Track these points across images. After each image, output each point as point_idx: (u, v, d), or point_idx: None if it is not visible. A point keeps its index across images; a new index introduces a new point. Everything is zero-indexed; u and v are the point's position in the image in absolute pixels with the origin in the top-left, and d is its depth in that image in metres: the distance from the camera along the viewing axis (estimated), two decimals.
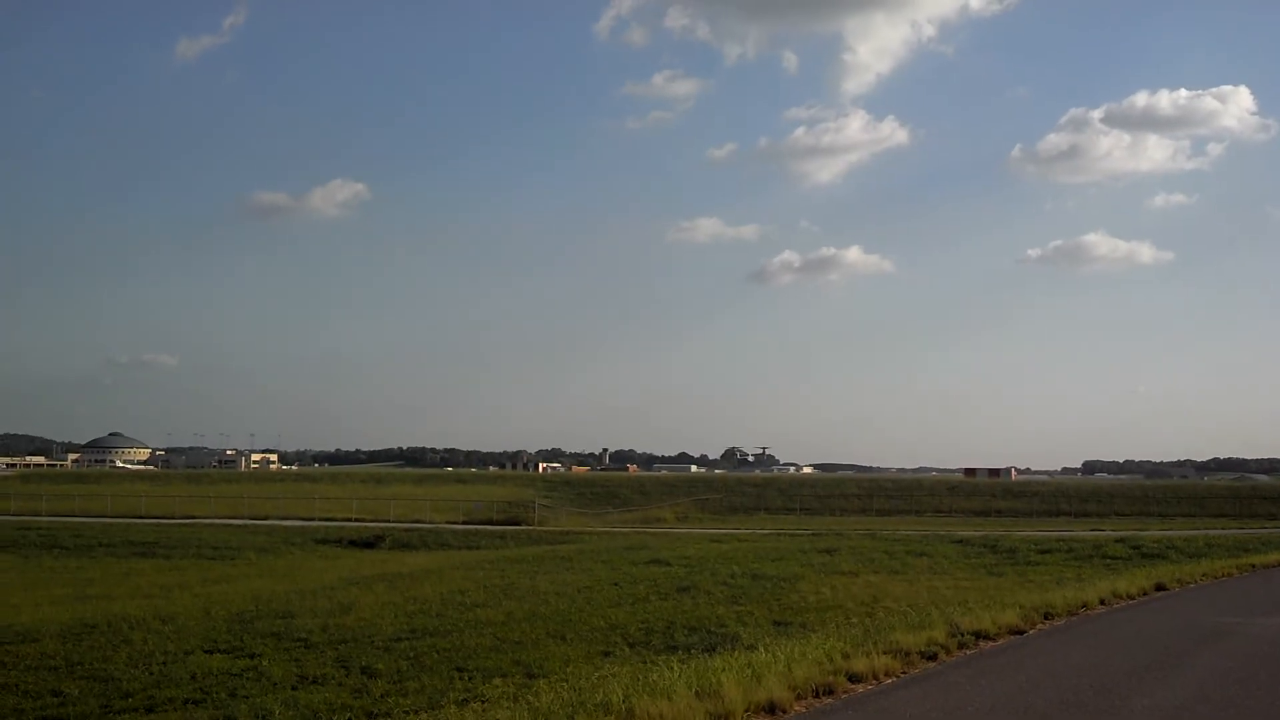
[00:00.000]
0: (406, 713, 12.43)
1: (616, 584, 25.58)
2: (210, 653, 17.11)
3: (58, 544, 43.30)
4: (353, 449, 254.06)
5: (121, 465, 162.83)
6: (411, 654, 16.28)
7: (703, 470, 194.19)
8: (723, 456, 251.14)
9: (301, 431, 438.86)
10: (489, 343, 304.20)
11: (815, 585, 24.59)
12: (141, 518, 60.15)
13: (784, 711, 10.83)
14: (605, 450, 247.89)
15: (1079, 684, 12.26)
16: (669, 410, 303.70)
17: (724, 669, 12.05)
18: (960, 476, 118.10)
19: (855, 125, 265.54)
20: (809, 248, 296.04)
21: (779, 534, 48.20)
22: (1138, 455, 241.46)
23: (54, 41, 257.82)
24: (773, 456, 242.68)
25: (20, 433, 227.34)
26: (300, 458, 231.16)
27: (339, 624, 19.72)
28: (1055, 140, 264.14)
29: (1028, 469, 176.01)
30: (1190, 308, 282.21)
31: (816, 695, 11.50)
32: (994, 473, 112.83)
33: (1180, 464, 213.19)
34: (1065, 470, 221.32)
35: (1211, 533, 47.39)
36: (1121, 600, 21.17)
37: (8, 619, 21.93)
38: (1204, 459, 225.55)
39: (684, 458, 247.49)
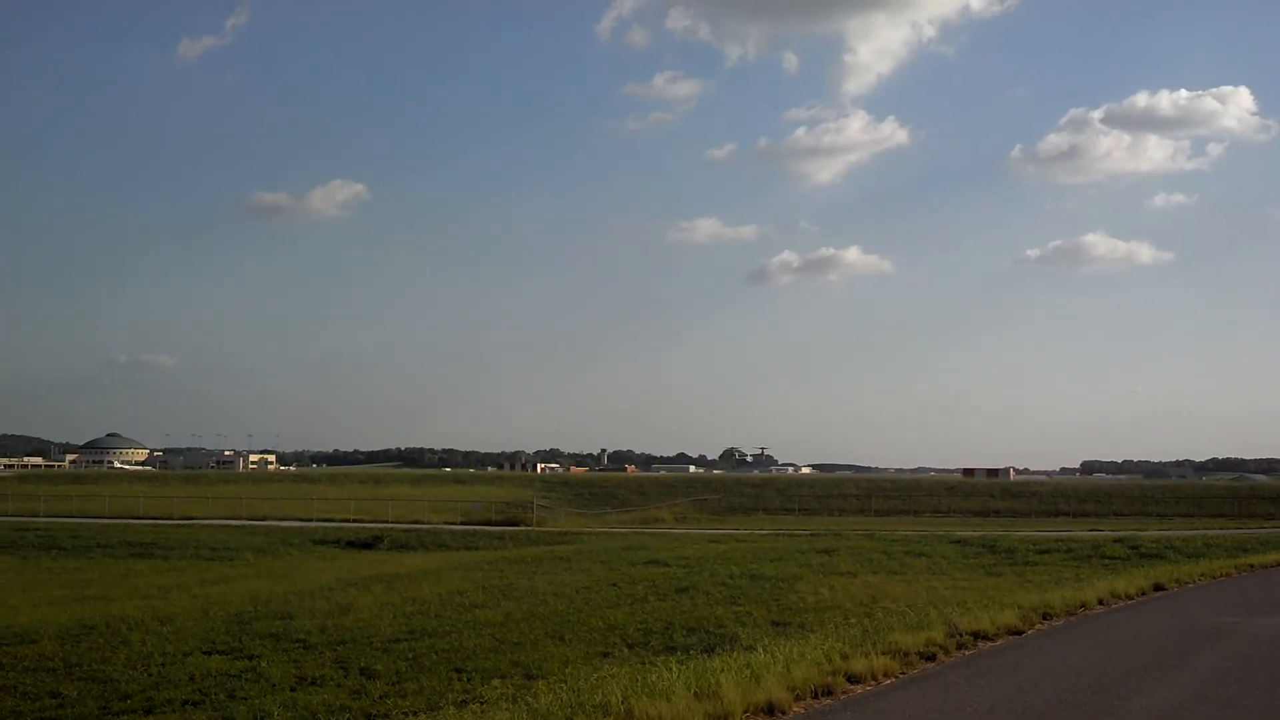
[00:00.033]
0: (405, 714, 12.43)
1: (615, 585, 25.57)
2: (209, 654, 17.10)
3: (56, 545, 43.28)
4: (351, 449, 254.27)
5: (119, 466, 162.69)
6: (410, 655, 16.27)
7: (701, 471, 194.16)
8: (721, 457, 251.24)
9: (300, 432, 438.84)
10: (487, 343, 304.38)
11: (814, 586, 24.59)
12: (139, 518, 60.12)
13: (783, 712, 10.83)
14: (603, 450, 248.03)
15: (1077, 684, 12.26)
16: (667, 410, 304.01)
17: (723, 670, 12.05)
18: (959, 477, 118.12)
19: (855, 126, 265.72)
20: (808, 248, 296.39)
21: (777, 534, 48.20)
22: (1136, 455, 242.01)
23: (54, 41, 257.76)
24: (771, 457, 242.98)
25: (18, 433, 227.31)
26: (298, 458, 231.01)
27: (337, 625, 19.71)
28: (1055, 140, 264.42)
29: (1026, 469, 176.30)
30: (1190, 308, 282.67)
31: (815, 696, 11.49)
32: (992, 473, 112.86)
33: (1179, 464, 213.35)
34: (1064, 470, 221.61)
35: (1210, 533, 47.41)
36: (1120, 600, 21.18)
37: (6, 620, 21.92)
38: (1202, 459, 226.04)
39: (682, 458, 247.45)
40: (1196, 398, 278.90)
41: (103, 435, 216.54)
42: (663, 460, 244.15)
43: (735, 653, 14.05)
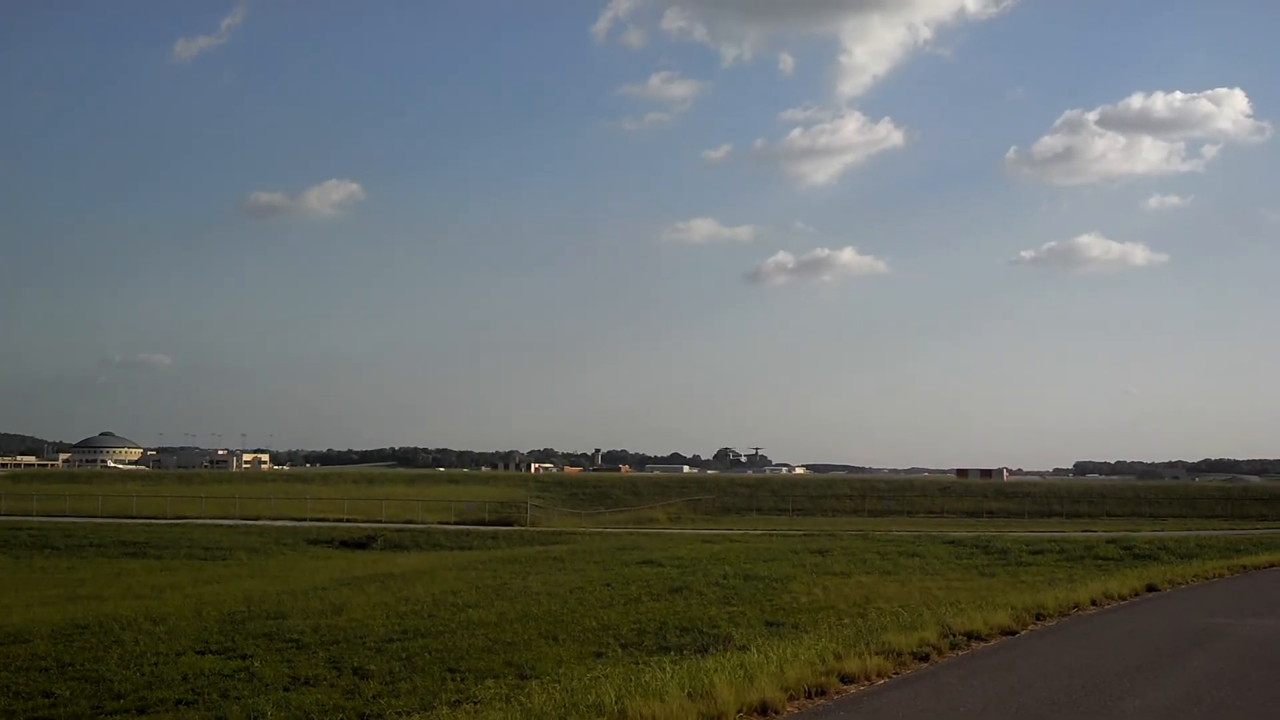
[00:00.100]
0: (399, 714, 12.40)
1: (609, 585, 25.55)
2: (202, 653, 17.05)
3: (49, 544, 43.19)
4: (344, 449, 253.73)
5: (113, 465, 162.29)
6: (404, 655, 16.24)
7: (695, 471, 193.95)
8: (715, 457, 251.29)
9: (294, 432, 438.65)
10: (482, 343, 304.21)
11: (807, 586, 24.59)
12: (133, 518, 59.97)
13: (776, 712, 10.83)
14: (598, 451, 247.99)
15: (1071, 684, 12.28)
16: (662, 411, 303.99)
17: (716, 670, 12.05)
18: (953, 477, 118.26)
19: (851, 127, 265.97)
20: (803, 249, 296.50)
21: (771, 535, 48.23)
22: (1130, 456, 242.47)
23: (53, 42, 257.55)
24: (765, 457, 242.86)
25: (12, 432, 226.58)
26: (292, 458, 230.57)
27: (331, 625, 19.68)
28: (1050, 142, 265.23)
29: (1020, 470, 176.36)
30: (1184, 310, 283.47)
31: (809, 696, 11.50)
32: (986, 474, 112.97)
33: (1172, 465, 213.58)
34: (1057, 471, 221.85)
35: (1203, 534, 47.54)
36: (1113, 601, 21.22)
37: None
38: (1196, 460, 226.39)
39: (676, 458, 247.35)
40: (1190, 399, 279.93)
41: (96, 434, 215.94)
42: (657, 460, 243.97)
43: (729, 653, 14.06)
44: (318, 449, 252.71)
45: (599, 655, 15.72)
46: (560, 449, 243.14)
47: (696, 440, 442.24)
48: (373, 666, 15.37)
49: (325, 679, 14.74)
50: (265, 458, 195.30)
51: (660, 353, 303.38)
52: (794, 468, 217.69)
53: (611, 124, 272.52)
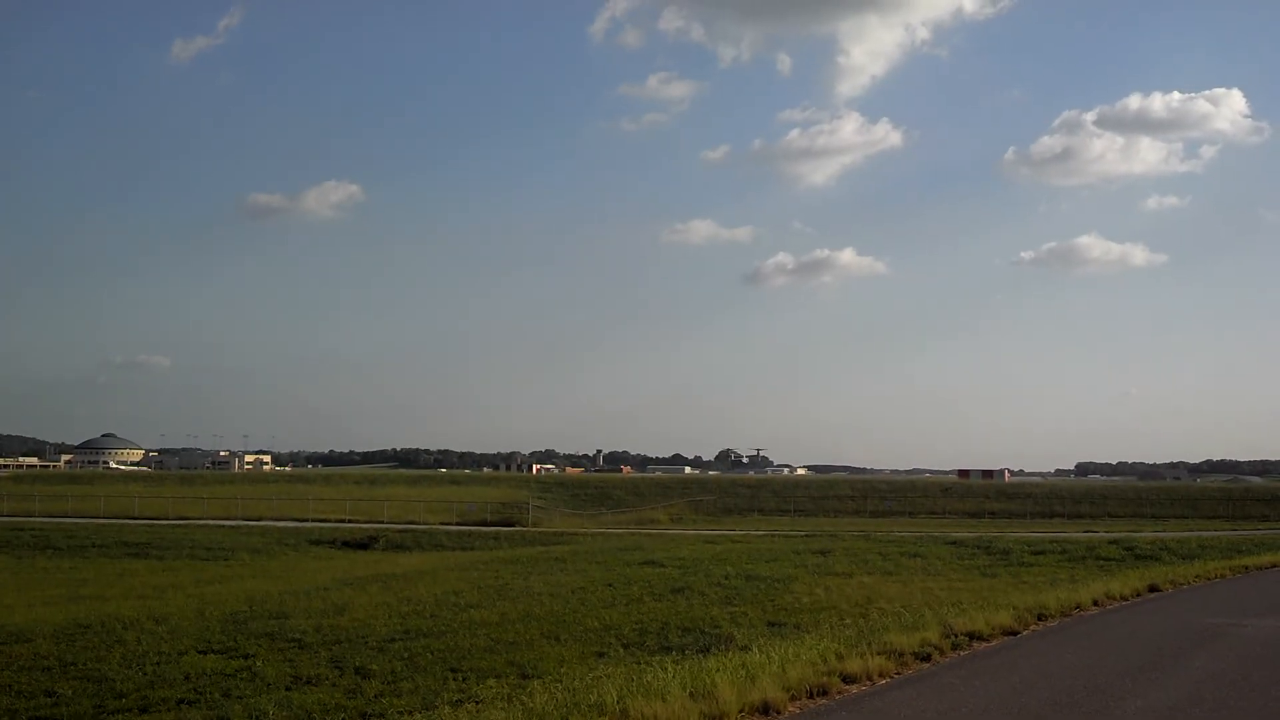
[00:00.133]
0: (400, 713, 12.42)
1: (610, 585, 25.56)
2: (204, 653, 17.07)
3: (51, 545, 43.23)
4: (346, 450, 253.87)
5: (115, 466, 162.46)
6: (406, 655, 16.26)
7: (697, 472, 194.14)
8: (717, 458, 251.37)
9: (295, 433, 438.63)
10: (483, 344, 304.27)
11: (809, 586, 24.59)
12: (135, 518, 60.04)
13: (778, 712, 10.84)
14: (599, 451, 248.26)
15: (1072, 685, 12.29)
16: (663, 412, 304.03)
17: (718, 670, 12.06)
18: (954, 478, 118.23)
19: (849, 127, 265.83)
20: (803, 250, 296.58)
21: (773, 535, 48.22)
22: (1131, 457, 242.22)
23: (53, 42, 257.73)
24: (767, 458, 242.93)
25: (14, 433, 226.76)
26: (294, 459, 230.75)
27: (333, 625, 19.70)
28: (1049, 143, 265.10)
29: (1021, 471, 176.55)
30: (1184, 310, 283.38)
31: (811, 696, 11.51)
32: (988, 474, 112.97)
33: (1173, 466, 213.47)
34: (1059, 472, 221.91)
35: (1205, 534, 47.52)
36: (1115, 601, 21.21)
37: (1, 619, 21.88)
38: (1197, 461, 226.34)
39: (678, 459, 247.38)
40: (1191, 399, 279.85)
41: (98, 435, 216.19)
42: (658, 461, 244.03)
43: (731, 653, 14.07)
44: (319, 450, 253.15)
45: (601, 655, 15.73)
46: (562, 450, 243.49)
47: (698, 441, 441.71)
48: (375, 666, 15.39)
49: (327, 678, 14.75)
50: (267, 459, 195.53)
51: (661, 354, 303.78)
52: (795, 468, 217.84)
53: (610, 124, 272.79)
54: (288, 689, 14.17)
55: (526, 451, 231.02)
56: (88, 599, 26.89)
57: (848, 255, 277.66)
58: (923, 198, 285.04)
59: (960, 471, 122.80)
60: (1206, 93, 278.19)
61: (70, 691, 14.49)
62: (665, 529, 60.03)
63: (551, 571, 29.91)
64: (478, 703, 12.17)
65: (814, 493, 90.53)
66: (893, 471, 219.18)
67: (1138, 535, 45.51)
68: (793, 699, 11.26)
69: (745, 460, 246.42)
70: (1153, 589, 23.45)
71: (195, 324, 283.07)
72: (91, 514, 62.14)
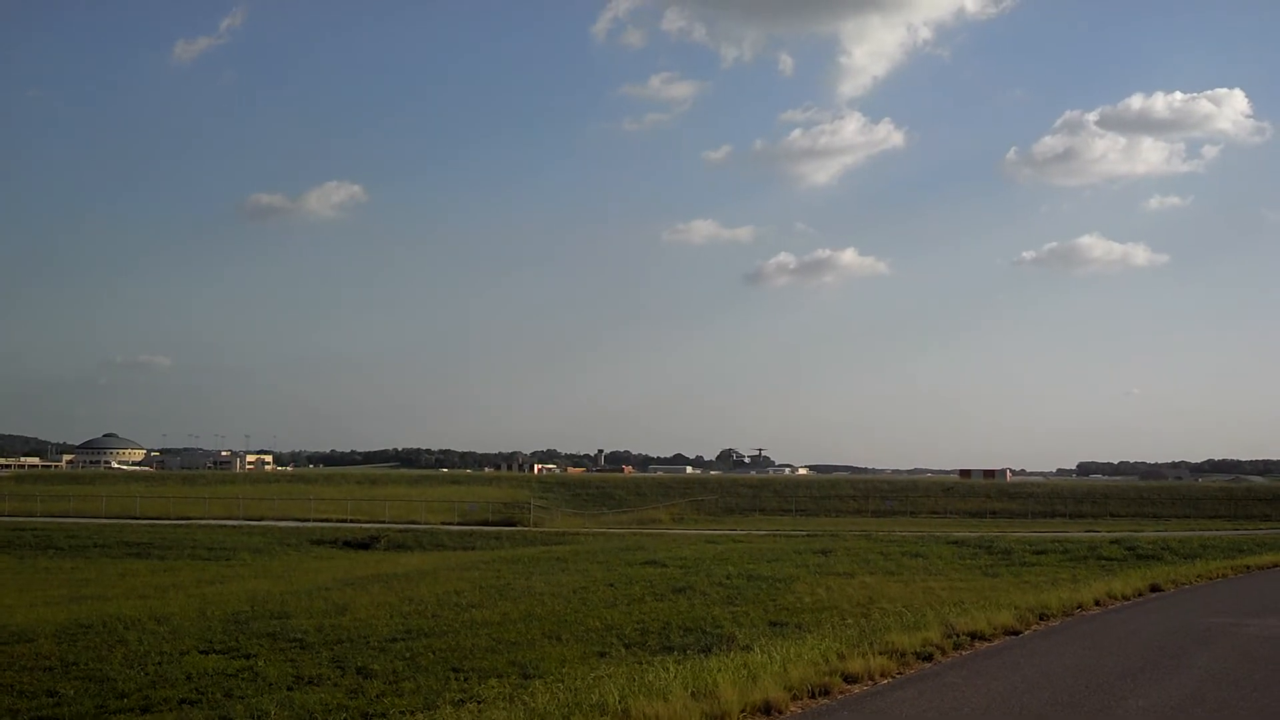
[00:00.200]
0: (402, 713, 12.42)
1: (612, 585, 25.55)
2: (206, 653, 17.06)
3: (52, 545, 43.27)
4: (348, 450, 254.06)
5: (117, 466, 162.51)
6: (407, 654, 16.25)
7: (698, 471, 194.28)
8: (718, 458, 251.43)
9: (297, 433, 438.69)
10: (484, 344, 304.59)
11: (811, 586, 24.58)
12: (136, 518, 60.08)
13: (780, 712, 10.84)
14: (600, 451, 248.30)
15: (1074, 685, 12.28)
16: (664, 411, 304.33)
17: (720, 669, 12.06)
18: (956, 478, 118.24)
19: (851, 127, 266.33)
20: (804, 249, 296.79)
21: (774, 535, 48.22)
22: (1132, 457, 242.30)
23: (53, 42, 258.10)
24: (768, 458, 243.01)
25: (15, 433, 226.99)
26: (295, 459, 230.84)
27: (334, 624, 19.69)
28: (1050, 143, 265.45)
29: (1023, 470, 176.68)
30: (1185, 310, 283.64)
31: (812, 696, 11.50)
32: (989, 474, 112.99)
33: (1175, 465, 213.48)
34: (1060, 472, 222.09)
35: (1206, 534, 47.52)
36: (1117, 601, 21.20)
37: (2, 620, 21.88)
38: (1199, 460, 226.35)
39: (679, 459, 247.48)
40: (1193, 399, 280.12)
41: (100, 435, 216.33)
42: (660, 461, 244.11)
43: (732, 653, 14.06)
44: (321, 450, 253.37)
45: (602, 655, 15.73)
46: (563, 450, 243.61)
47: (699, 441, 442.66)
48: (376, 666, 15.38)
49: (329, 678, 14.75)
50: (269, 459, 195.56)
51: (662, 354, 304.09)
52: (797, 468, 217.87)
53: (611, 124, 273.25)
54: (289, 689, 14.17)
55: (528, 451, 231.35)
56: (89, 599, 26.89)
57: (849, 255, 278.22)
58: (924, 198, 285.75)
59: (962, 471, 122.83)
60: (1208, 93, 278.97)
61: (72, 691, 14.49)
62: (667, 529, 60.03)
63: (553, 571, 29.90)
64: (480, 703, 12.17)
65: (815, 492, 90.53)
66: (894, 471, 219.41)
67: (1139, 535, 45.50)
68: (794, 699, 11.26)
69: (747, 460, 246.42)
70: (1154, 589, 23.45)
71: (197, 324, 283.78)
72: (93, 514, 62.22)
